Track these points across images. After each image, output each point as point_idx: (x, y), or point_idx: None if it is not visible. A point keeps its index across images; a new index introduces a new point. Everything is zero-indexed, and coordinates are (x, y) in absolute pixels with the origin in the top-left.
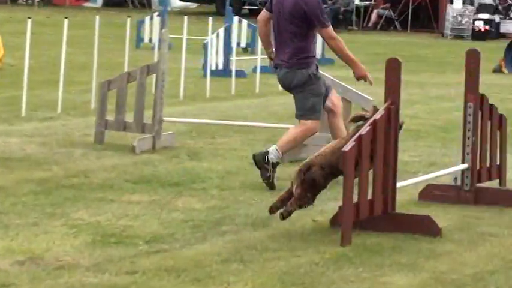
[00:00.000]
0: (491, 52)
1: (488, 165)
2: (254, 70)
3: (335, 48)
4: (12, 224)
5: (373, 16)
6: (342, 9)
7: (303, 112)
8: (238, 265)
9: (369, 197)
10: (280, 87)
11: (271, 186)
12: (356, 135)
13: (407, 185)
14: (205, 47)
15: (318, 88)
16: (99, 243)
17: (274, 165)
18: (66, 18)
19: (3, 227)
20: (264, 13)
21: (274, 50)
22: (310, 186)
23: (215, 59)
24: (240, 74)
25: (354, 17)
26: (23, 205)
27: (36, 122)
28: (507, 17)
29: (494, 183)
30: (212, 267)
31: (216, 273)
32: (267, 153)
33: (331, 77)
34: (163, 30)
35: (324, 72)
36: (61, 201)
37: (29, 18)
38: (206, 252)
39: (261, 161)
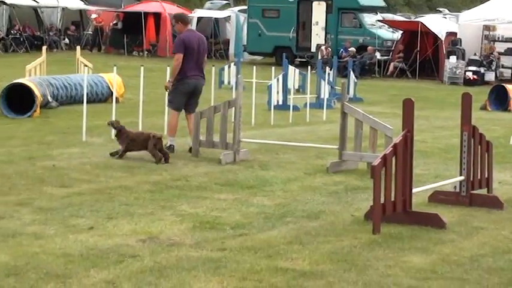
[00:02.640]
0: (478, 94)
1: (479, 177)
2: (305, 105)
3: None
4: (135, 213)
5: (391, 67)
6: (368, 61)
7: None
8: (299, 246)
9: (392, 199)
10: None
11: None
12: (382, 154)
13: (420, 191)
14: (269, 88)
15: None
16: (198, 228)
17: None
18: (168, 66)
19: (129, 215)
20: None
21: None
22: None
23: (277, 97)
24: (295, 108)
25: (376, 68)
26: (143, 200)
27: None
28: (489, 69)
29: (483, 191)
30: (280, 247)
31: (282, 251)
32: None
33: (363, 112)
34: (239, 76)
35: (357, 108)
36: (170, 197)
37: (142, 66)
38: (275, 236)
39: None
